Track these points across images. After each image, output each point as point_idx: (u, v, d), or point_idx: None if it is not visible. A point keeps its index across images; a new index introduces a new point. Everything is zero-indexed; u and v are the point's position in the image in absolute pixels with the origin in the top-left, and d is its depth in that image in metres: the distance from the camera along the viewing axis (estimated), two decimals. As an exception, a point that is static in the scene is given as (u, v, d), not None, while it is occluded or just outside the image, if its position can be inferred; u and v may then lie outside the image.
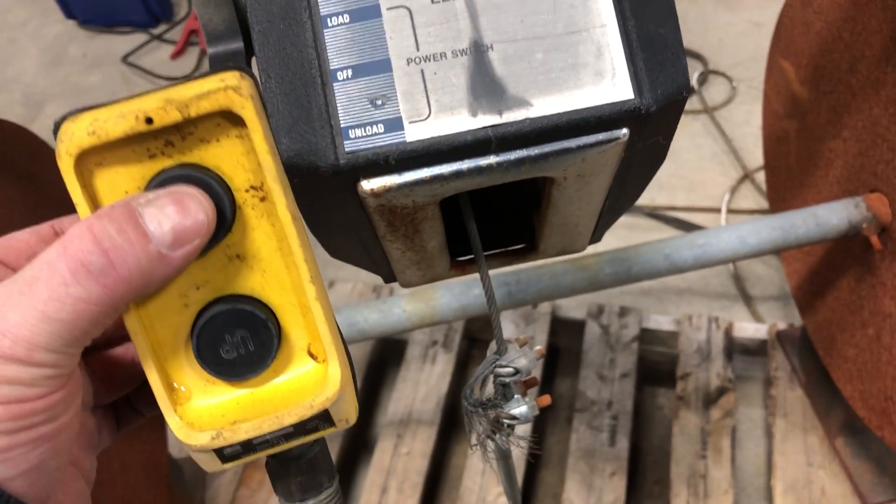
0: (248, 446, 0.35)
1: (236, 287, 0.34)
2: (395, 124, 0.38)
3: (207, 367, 0.34)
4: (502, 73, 0.38)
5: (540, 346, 0.53)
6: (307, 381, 0.35)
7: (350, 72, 0.38)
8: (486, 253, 0.53)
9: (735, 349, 1.45)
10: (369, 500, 1.28)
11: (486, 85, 0.38)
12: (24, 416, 0.29)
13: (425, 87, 0.38)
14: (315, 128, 0.38)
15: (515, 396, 0.53)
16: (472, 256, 0.54)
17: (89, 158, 0.31)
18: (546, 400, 0.53)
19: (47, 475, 0.31)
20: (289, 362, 0.36)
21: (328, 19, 0.38)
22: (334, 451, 1.35)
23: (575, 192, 0.44)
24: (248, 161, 0.32)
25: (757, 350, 1.46)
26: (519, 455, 1.24)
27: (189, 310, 0.34)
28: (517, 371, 0.52)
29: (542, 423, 1.44)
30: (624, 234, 1.68)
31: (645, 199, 1.75)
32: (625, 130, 0.39)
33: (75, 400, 0.32)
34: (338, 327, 0.36)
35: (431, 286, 1.04)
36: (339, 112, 0.38)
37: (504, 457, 0.55)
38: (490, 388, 0.53)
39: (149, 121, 0.30)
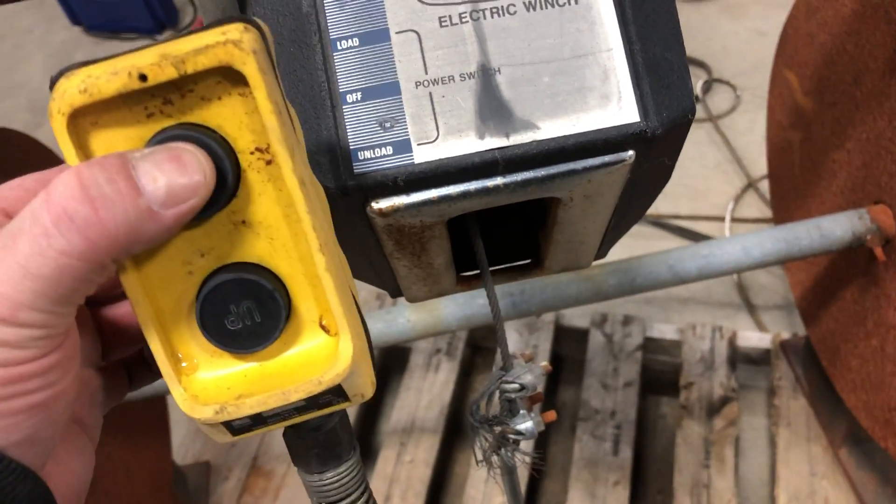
0: (257, 419, 0.33)
1: (243, 255, 0.32)
2: (403, 146, 0.38)
3: (211, 338, 0.32)
4: (509, 97, 0.39)
5: (545, 363, 0.53)
6: (317, 355, 0.34)
7: (359, 94, 0.39)
8: (491, 269, 0.54)
9: (738, 358, 1.45)
10: (373, 509, 1.28)
11: (493, 108, 0.38)
12: (14, 381, 0.27)
13: (433, 109, 0.39)
14: (324, 150, 0.39)
15: (521, 412, 0.53)
16: (477, 272, 0.54)
17: (83, 118, 0.29)
18: (552, 416, 0.54)
19: (42, 445, 0.29)
20: (299, 335, 0.34)
21: (338, 42, 0.39)
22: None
23: (581, 211, 0.44)
24: (253, 121, 0.30)
25: (760, 359, 1.46)
26: (523, 467, 1.24)
27: (193, 277, 0.32)
28: (523, 387, 0.52)
29: (545, 432, 1.44)
30: (627, 242, 1.67)
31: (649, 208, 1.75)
32: (631, 152, 0.39)
33: (72, 364, 0.30)
34: (354, 298, 0.34)
35: (436, 296, 1.05)
36: (349, 134, 0.38)
37: (509, 472, 0.56)
38: (496, 404, 0.54)
39: (143, 77, 0.28)
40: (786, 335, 1.44)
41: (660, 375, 1.48)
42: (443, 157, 0.38)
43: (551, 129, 0.38)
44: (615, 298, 1.03)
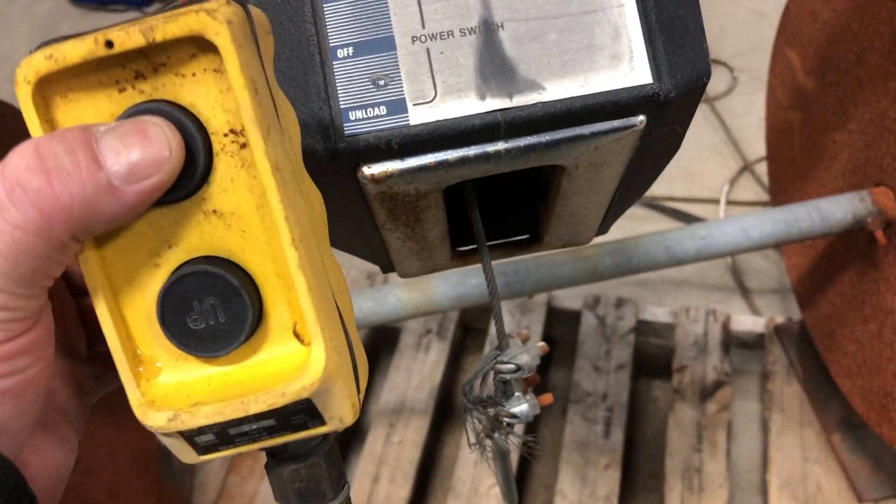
0: (223, 437, 0.30)
1: (212, 247, 0.30)
2: (398, 106, 0.36)
3: (172, 336, 0.30)
4: (513, 54, 0.36)
5: (542, 343, 0.51)
6: (287, 365, 0.30)
7: (351, 49, 0.36)
8: (488, 244, 0.51)
9: (732, 342, 1.44)
10: (360, 489, 1.26)
11: (495, 66, 0.36)
12: None
13: (431, 67, 0.36)
14: (313, 109, 0.36)
15: (516, 394, 0.51)
16: (473, 247, 0.52)
17: (51, 88, 0.28)
18: (548, 399, 0.52)
19: (11, 435, 0.27)
20: (268, 341, 0.31)
21: (328, -7, 0.36)
22: (326, 439, 1.34)
23: (585, 181, 0.42)
24: (227, 100, 0.28)
25: (754, 344, 1.44)
26: (515, 451, 1.23)
27: (160, 270, 0.30)
28: (518, 368, 0.50)
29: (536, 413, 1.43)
30: (622, 223, 1.64)
31: (643, 189, 1.73)
32: (641, 117, 0.37)
33: (43, 352, 0.28)
34: (339, 310, 0.32)
35: (428, 275, 1.02)
36: (339, 92, 0.36)
37: (502, 456, 0.54)
38: (490, 385, 0.51)
39: (109, 44, 0.26)
40: (780, 319, 1.42)
41: (652, 358, 1.46)
42: (440, 118, 0.36)
43: (558, 90, 0.36)
44: (611, 279, 1.01)
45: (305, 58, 0.36)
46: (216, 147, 0.28)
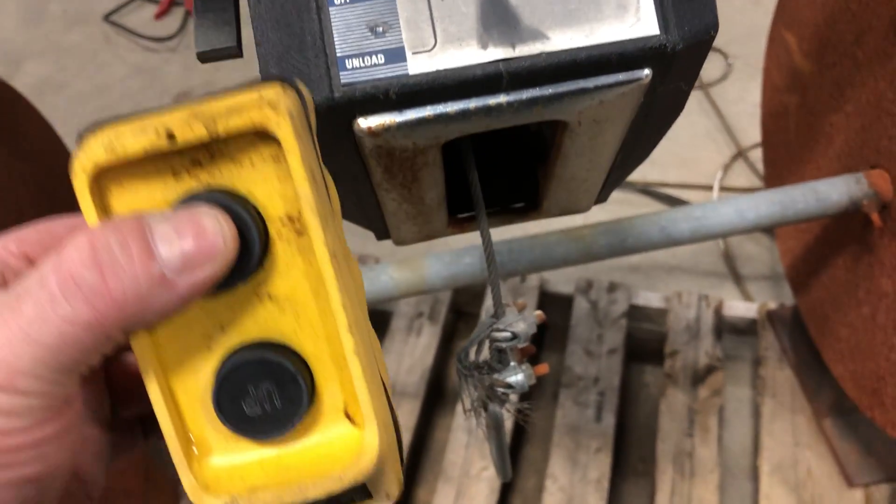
0: None
1: (266, 331, 0.30)
2: (396, 55, 0.34)
3: (228, 422, 0.30)
4: (517, 2, 0.35)
5: (539, 311, 0.50)
6: (340, 447, 0.31)
7: (348, -6, 0.34)
8: (486, 210, 0.50)
9: (724, 328, 1.43)
10: (350, 472, 1.26)
11: (498, 14, 0.34)
12: (5, 452, 0.25)
13: (431, 14, 0.34)
14: (308, 57, 0.34)
15: (511, 364, 0.50)
16: (470, 214, 0.51)
17: (107, 176, 0.28)
18: (544, 369, 0.51)
19: None
20: (321, 422, 0.31)
21: (325, -64, 0.35)
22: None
23: (588, 140, 0.40)
24: (285, 188, 0.28)
25: (746, 329, 1.44)
26: (509, 420, 1.22)
27: (213, 354, 0.30)
28: (515, 336, 0.49)
29: (527, 397, 1.42)
30: (615, 209, 1.64)
31: (637, 176, 1.73)
32: (647, 71, 0.36)
33: (70, 437, 0.27)
34: (385, 387, 0.32)
35: (421, 254, 1.01)
36: (335, 40, 0.34)
37: (497, 426, 0.53)
38: (485, 354, 0.50)
39: (171, 136, 0.26)
40: (772, 305, 1.42)
41: (644, 343, 1.46)
42: (440, 68, 0.34)
43: (562, 40, 0.35)
44: (605, 259, 1.00)
45: (301, 3, 0.34)
46: (272, 233, 0.29)
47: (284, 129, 0.27)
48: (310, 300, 0.30)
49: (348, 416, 0.31)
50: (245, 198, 0.28)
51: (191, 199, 0.28)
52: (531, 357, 0.51)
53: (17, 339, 0.25)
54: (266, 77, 0.28)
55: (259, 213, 0.28)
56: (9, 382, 0.25)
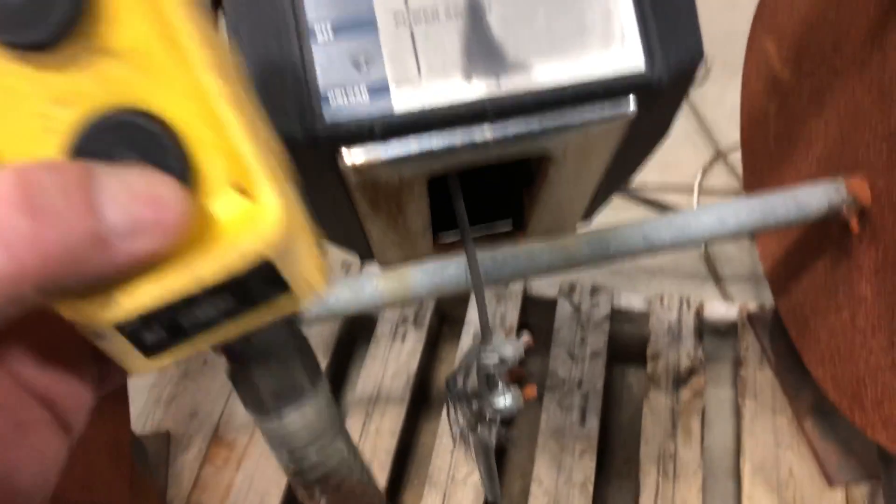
0: (173, 327, 0.24)
1: (114, 96, 0.23)
2: (380, 88, 0.34)
3: None
4: (501, 35, 0.34)
5: (527, 336, 0.49)
6: (236, 222, 0.24)
7: (330, 28, 0.34)
8: (471, 233, 0.50)
9: (705, 330, 1.44)
10: (335, 481, 1.25)
11: (482, 47, 0.34)
12: None
13: (415, 48, 0.34)
14: (290, 91, 0.34)
15: (500, 387, 0.50)
16: (456, 239, 0.50)
17: None
18: (532, 391, 0.51)
19: None
20: (206, 200, 0.24)
21: (307, -32, 0.34)
22: (299, 429, 1.32)
23: (573, 170, 0.40)
24: None
25: (727, 331, 1.45)
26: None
27: (53, 137, 0.24)
28: (503, 360, 0.48)
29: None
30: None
31: (618, 177, 1.73)
32: (633, 105, 0.35)
33: None
34: (279, 148, 0.26)
35: (405, 264, 1.01)
36: (318, 74, 0.34)
37: (485, 450, 0.53)
38: (474, 379, 0.50)
39: None
40: (753, 307, 1.43)
41: (627, 346, 1.47)
42: (425, 101, 0.34)
43: (547, 72, 0.34)
44: (588, 267, 1.00)
45: (282, 36, 0.34)
46: None
47: None
48: (158, 47, 0.23)
49: (239, 190, 0.24)
50: None
51: None
52: (519, 380, 0.51)
53: None
54: None
55: None
56: None
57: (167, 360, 0.25)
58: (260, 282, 0.24)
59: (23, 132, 0.23)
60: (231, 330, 0.25)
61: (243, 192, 0.24)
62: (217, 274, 0.23)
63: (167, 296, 0.23)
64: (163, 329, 0.24)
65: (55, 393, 0.27)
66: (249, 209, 0.24)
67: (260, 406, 0.29)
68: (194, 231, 0.24)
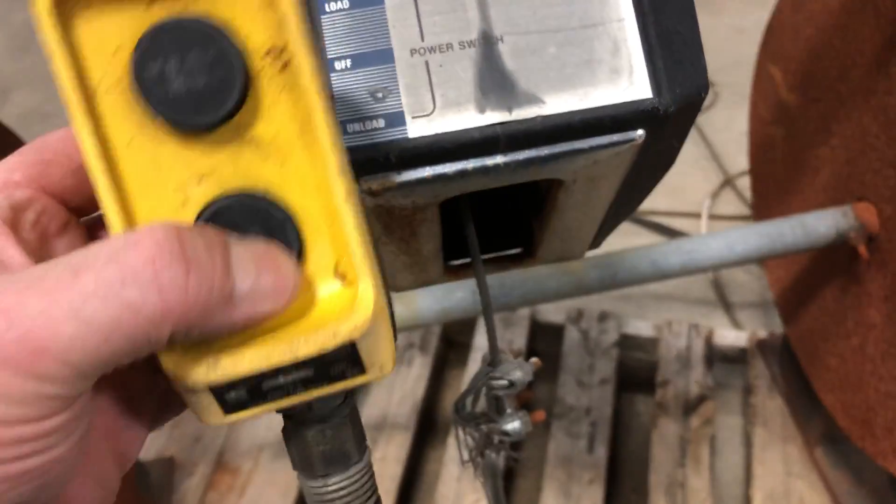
0: (255, 390, 0.27)
1: (249, 181, 0.27)
2: (397, 119, 0.35)
3: None
4: (513, 68, 0.35)
5: (535, 358, 0.50)
6: (332, 304, 0.28)
7: (349, 62, 0.35)
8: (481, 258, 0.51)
9: (715, 357, 1.44)
10: (343, 507, 1.25)
11: (495, 79, 0.35)
12: (8, 445, 0.22)
13: (430, 80, 0.35)
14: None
15: (508, 411, 0.50)
16: (466, 261, 0.51)
17: (71, 2, 0.24)
18: (541, 416, 0.51)
19: None
20: (310, 281, 0.28)
21: (326, 4, 0.35)
22: (307, 455, 1.32)
23: (582, 195, 0.41)
24: (267, 15, 0.25)
25: (737, 358, 1.45)
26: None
27: (187, 209, 0.27)
28: (511, 384, 0.49)
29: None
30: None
31: (626, 203, 1.74)
32: (641, 131, 0.36)
33: (78, 425, 0.24)
34: (374, 247, 0.29)
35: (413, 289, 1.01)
36: (337, 104, 0.35)
37: (493, 474, 0.53)
38: (482, 402, 0.51)
39: None
40: (762, 334, 1.43)
41: (636, 373, 1.46)
42: (439, 131, 0.35)
43: (557, 103, 0.35)
44: (596, 293, 1.01)
45: (301, 69, 0.35)
46: (254, 68, 0.26)
47: None
48: (296, 144, 0.27)
49: (339, 275, 0.28)
50: (222, 28, 0.25)
51: (164, 26, 0.24)
52: (527, 404, 0.51)
53: (61, 314, 0.21)
54: None
55: (237, 45, 0.25)
56: (32, 364, 0.21)
57: (241, 418, 0.28)
58: (342, 360, 0.27)
59: (161, 201, 0.26)
60: (302, 397, 0.28)
61: (343, 277, 0.28)
62: (312, 351, 0.26)
63: (264, 365, 0.26)
64: (246, 391, 0.27)
65: (118, 427, 0.30)
66: (348, 295, 0.27)
67: (309, 468, 0.31)
68: (298, 306, 0.27)
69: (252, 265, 0.25)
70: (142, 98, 0.25)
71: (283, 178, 0.27)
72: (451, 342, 1.53)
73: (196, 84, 0.25)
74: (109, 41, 0.25)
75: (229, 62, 0.25)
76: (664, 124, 0.36)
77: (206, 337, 0.25)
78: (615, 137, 0.36)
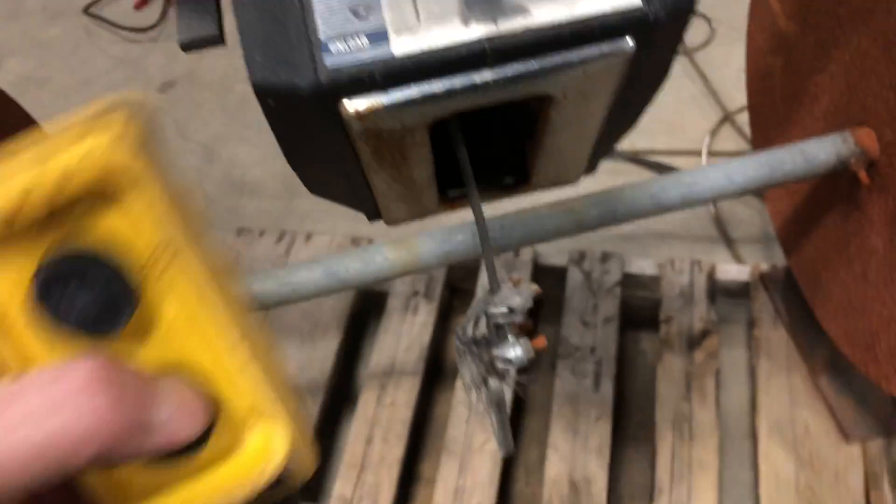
0: None
1: (160, 357, 0.30)
2: (379, 36, 0.34)
3: None
4: (497, -22, 0.35)
5: (535, 284, 0.50)
6: (254, 447, 0.31)
7: (329, -22, 0.34)
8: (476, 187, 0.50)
9: (718, 291, 1.44)
10: (354, 451, 1.27)
11: (479, -9, 0.35)
12: None
13: (413, -6, 0.34)
14: (292, 42, 0.34)
15: (509, 339, 0.51)
16: (461, 192, 0.51)
17: None
18: (542, 342, 0.51)
19: None
20: (227, 433, 0.31)
21: (303, -81, 0.34)
22: (316, 405, 1.33)
23: (574, 112, 0.41)
24: (143, 222, 0.27)
25: (740, 292, 1.45)
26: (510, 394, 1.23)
27: None
28: (511, 310, 0.49)
29: (525, 369, 1.43)
30: (605, 179, 1.64)
31: (625, 144, 1.73)
32: (631, 42, 0.36)
33: None
34: (280, 373, 0.32)
35: (413, 233, 1.01)
36: (318, 23, 0.34)
37: (498, 402, 0.53)
38: (483, 329, 0.51)
39: (9, 223, 0.25)
40: (764, 267, 1.43)
41: (639, 311, 1.47)
42: (424, 47, 0.34)
43: (544, 13, 0.35)
44: (597, 230, 1.01)
45: (282, -11, 0.34)
46: (143, 272, 0.28)
47: (139, 167, 0.26)
48: (198, 316, 0.29)
49: (254, 417, 0.31)
50: (103, 252, 0.27)
51: (54, 267, 0.26)
52: (529, 332, 0.51)
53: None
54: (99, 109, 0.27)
55: (120, 265, 0.27)
56: None
57: None
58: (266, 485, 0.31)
59: None
60: None
61: (262, 416, 0.31)
62: (245, 494, 0.30)
63: None
64: None
65: None
66: (266, 433, 0.31)
67: None
68: (219, 450, 0.30)
69: (173, 396, 0.28)
70: (47, 316, 0.27)
71: (191, 350, 0.30)
72: (455, 289, 1.53)
73: (89, 312, 0.27)
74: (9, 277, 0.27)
75: (113, 285, 0.27)
76: (654, 33, 0.36)
77: (121, 463, 0.28)
78: (605, 48, 0.36)
